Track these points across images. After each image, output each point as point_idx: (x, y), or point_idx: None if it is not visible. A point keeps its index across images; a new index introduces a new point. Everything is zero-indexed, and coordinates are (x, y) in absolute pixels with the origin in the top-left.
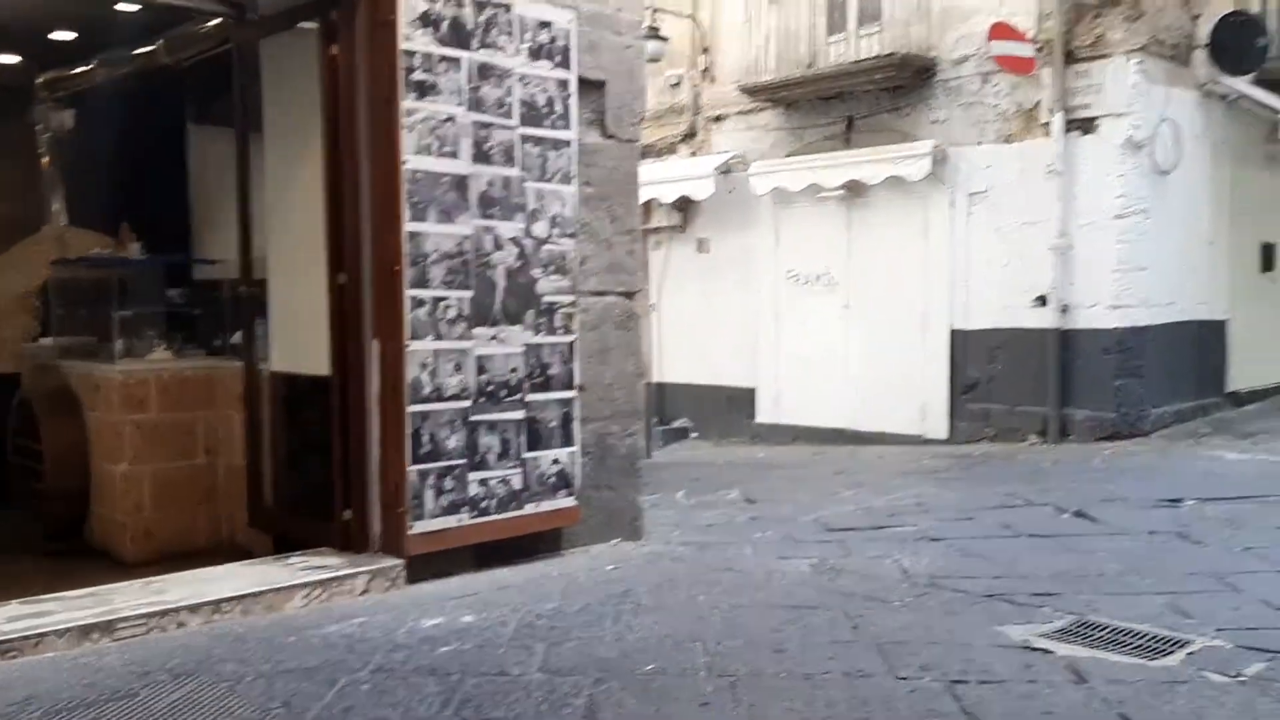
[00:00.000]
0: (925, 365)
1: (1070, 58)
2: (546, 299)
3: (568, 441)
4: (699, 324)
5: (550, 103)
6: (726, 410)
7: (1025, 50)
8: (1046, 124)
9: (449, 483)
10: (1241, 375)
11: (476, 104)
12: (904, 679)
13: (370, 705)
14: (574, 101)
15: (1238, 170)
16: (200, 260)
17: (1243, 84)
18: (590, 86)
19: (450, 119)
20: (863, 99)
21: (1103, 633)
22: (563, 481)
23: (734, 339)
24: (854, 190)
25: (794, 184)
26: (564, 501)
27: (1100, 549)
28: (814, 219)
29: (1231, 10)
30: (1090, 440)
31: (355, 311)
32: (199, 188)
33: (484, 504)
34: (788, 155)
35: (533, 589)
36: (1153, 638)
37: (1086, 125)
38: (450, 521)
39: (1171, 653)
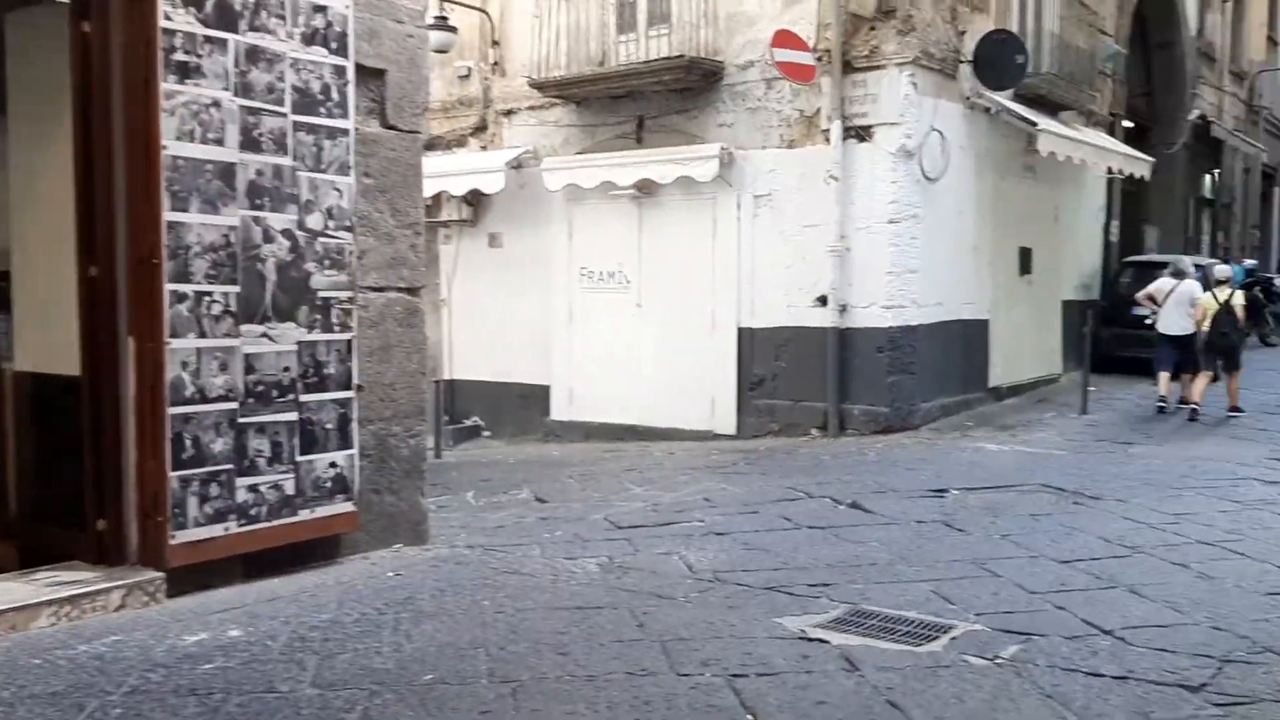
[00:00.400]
0: (714, 363)
1: (848, 67)
2: (322, 294)
3: (345, 444)
4: (491, 320)
5: (326, 90)
6: (520, 408)
7: (806, 59)
8: (826, 131)
9: (214, 489)
10: (1001, 371)
11: (245, 89)
12: (686, 675)
13: None
14: (351, 89)
15: (999, 179)
16: None
17: (1003, 98)
18: (369, 74)
19: (215, 103)
20: (653, 99)
21: (874, 621)
22: (340, 486)
23: (527, 335)
24: (645, 189)
25: (587, 181)
26: (342, 506)
27: (873, 539)
28: (606, 217)
29: (993, 29)
30: (866, 434)
31: (109, 307)
32: None
33: (253, 511)
34: (580, 152)
35: (306, 599)
36: (919, 624)
37: (863, 133)
38: (216, 530)
39: (936, 638)
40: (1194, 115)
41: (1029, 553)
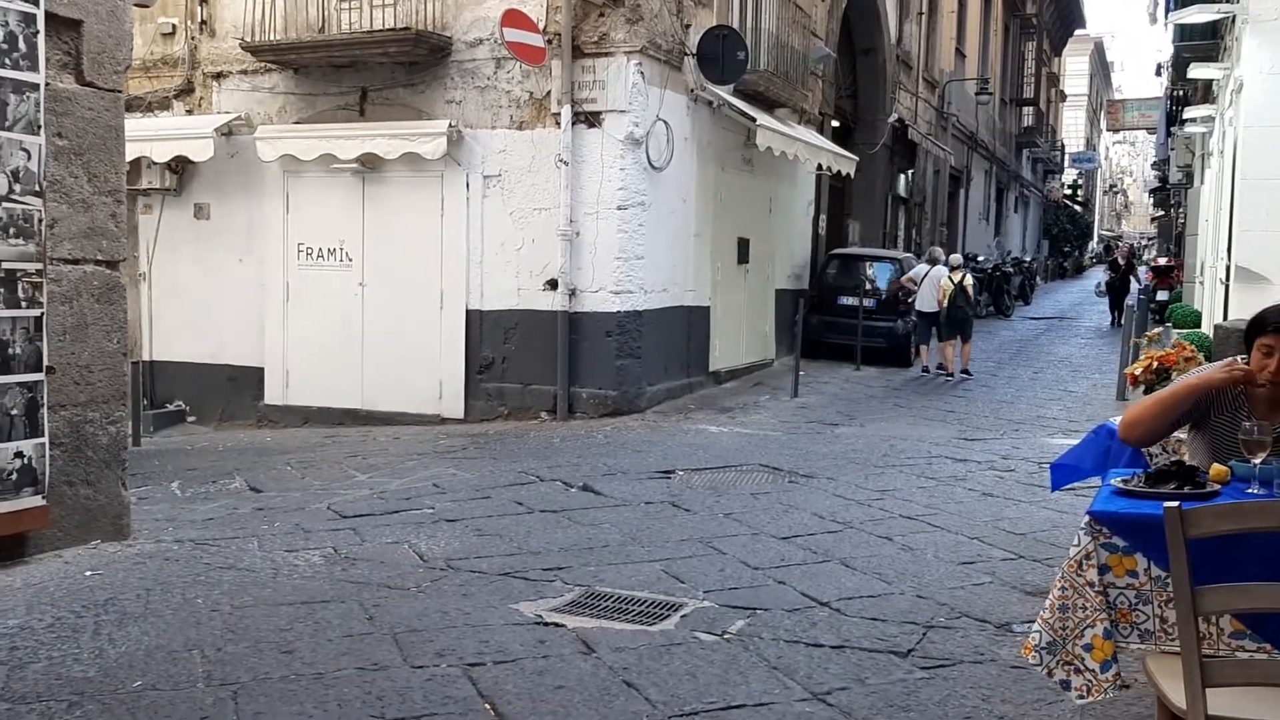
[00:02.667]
0: (442, 345)
1: (578, 52)
2: (6, 266)
3: (35, 431)
4: (198, 296)
5: (12, 39)
6: (230, 391)
7: (536, 40)
8: (557, 114)
9: None
10: (721, 356)
11: None
12: (420, 668)
13: None
14: (42, 39)
15: (720, 170)
16: None
17: (725, 92)
18: (63, 24)
19: None
20: (377, 71)
21: (608, 602)
22: (28, 478)
23: (239, 314)
24: (370, 164)
25: (305, 152)
26: (30, 501)
27: (604, 521)
28: (327, 191)
29: (717, 24)
30: (595, 417)
31: None
32: None
33: None
34: (297, 122)
35: None
36: (651, 604)
37: (592, 119)
38: None
39: (668, 617)
40: (893, 118)
41: (751, 530)
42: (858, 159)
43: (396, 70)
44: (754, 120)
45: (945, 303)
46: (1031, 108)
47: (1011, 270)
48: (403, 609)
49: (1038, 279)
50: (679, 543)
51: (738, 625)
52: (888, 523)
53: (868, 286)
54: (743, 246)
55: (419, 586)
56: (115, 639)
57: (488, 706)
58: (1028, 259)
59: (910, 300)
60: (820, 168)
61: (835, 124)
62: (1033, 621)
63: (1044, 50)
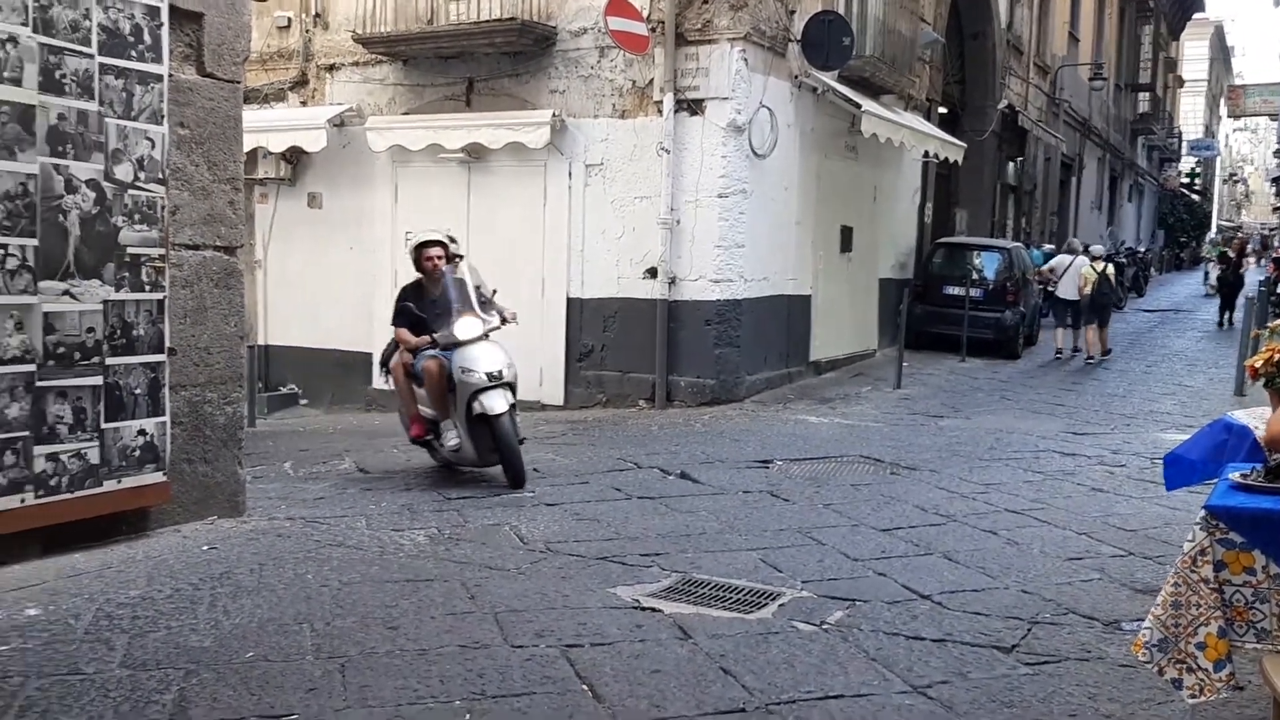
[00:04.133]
0: (543, 333)
1: (681, 40)
2: (131, 250)
3: (156, 410)
4: (310, 283)
5: (138, 31)
6: (340, 375)
7: (640, 28)
8: (659, 103)
9: (9, 458)
10: (822, 345)
11: (45, 25)
12: (520, 647)
13: None
14: (165, 32)
15: (823, 158)
16: None
17: (830, 78)
18: (186, 17)
19: (12, 39)
20: (483, 61)
21: (705, 589)
22: (150, 455)
23: (349, 300)
24: (475, 154)
25: (413, 142)
26: (152, 477)
27: (702, 508)
28: (434, 180)
29: (822, 9)
30: (693, 405)
31: None
32: None
33: (53, 481)
34: (406, 112)
35: (113, 575)
36: (749, 592)
37: (694, 106)
38: (11, 502)
39: (765, 605)
40: (1003, 104)
41: (851, 521)
42: (965, 146)
43: (502, 60)
44: (859, 106)
45: (1089, 290)
46: (1148, 94)
47: (1125, 261)
48: (503, 589)
49: (1152, 270)
50: (777, 532)
51: (836, 616)
52: (992, 517)
53: (975, 276)
54: (846, 235)
55: (519, 568)
56: (230, 611)
57: (585, 688)
58: (1142, 249)
59: (1049, 287)
60: (927, 155)
61: (943, 110)
62: (1143, 619)
63: (1161, 34)
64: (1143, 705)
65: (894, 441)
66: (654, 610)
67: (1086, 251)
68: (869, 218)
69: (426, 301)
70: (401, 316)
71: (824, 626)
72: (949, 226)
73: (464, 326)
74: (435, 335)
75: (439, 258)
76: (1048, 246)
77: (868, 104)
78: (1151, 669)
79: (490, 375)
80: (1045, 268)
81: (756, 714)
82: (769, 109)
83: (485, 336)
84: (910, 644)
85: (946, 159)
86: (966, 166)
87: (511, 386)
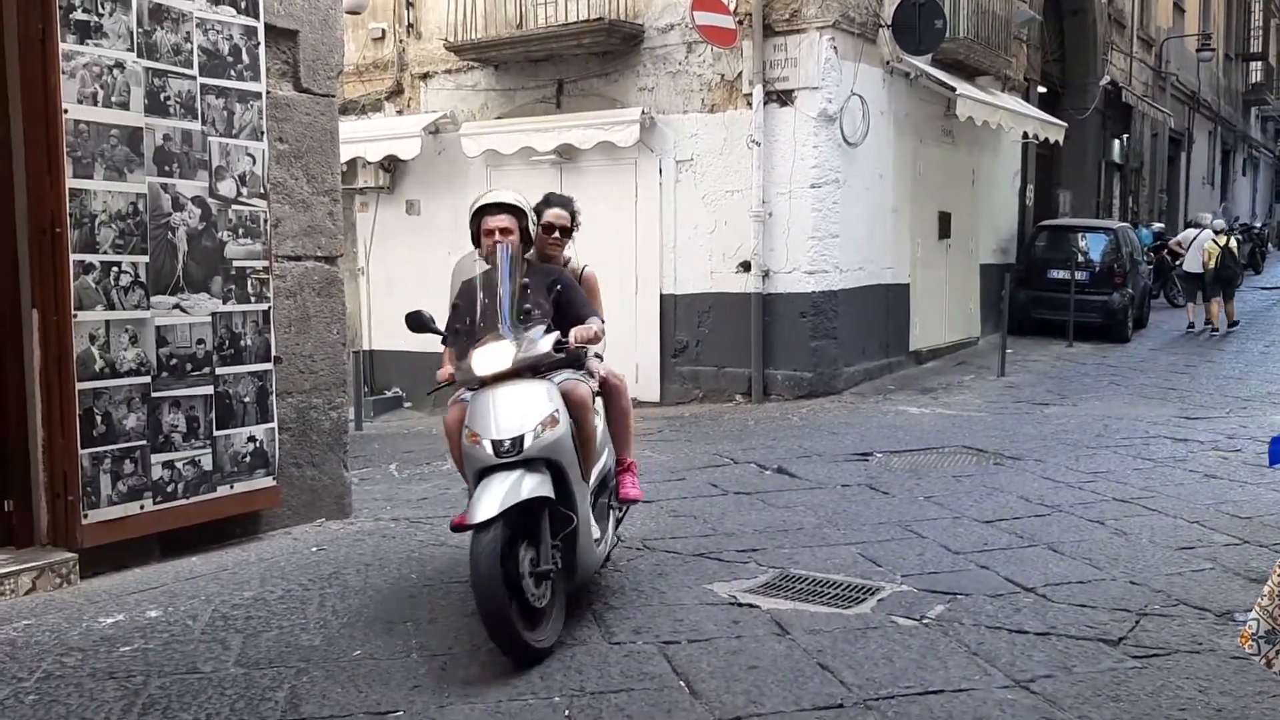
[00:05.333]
0: (637, 329)
1: (769, 31)
2: (236, 264)
3: (265, 417)
4: (411, 288)
5: (236, 51)
6: None
7: (727, 22)
8: (748, 95)
9: (128, 466)
10: (922, 335)
11: (149, 50)
12: (618, 644)
13: (37, 718)
14: (262, 51)
15: (918, 143)
16: None
17: (923, 63)
18: (281, 35)
19: (119, 65)
20: (573, 63)
21: (803, 585)
22: (260, 460)
23: (447, 304)
24: (566, 154)
25: (506, 146)
26: (262, 481)
27: (799, 503)
28: (527, 182)
29: None
30: (790, 399)
31: (9, 279)
32: None
33: (170, 488)
34: (498, 117)
35: (228, 577)
36: (847, 587)
37: (784, 97)
38: (131, 508)
39: (864, 600)
40: (1105, 81)
41: (952, 514)
42: (1066, 125)
43: (591, 61)
44: (954, 90)
45: (1211, 264)
46: (1260, 63)
47: (1240, 238)
48: (600, 586)
49: (1269, 246)
50: (876, 526)
51: (937, 610)
52: (1099, 506)
53: (1080, 259)
54: (944, 221)
55: (616, 565)
56: (338, 611)
57: (682, 684)
58: (1258, 225)
59: (1177, 263)
60: (1026, 136)
61: (1042, 90)
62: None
63: (1273, 1)
64: (1255, 699)
65: (997, 431)
66: (751, 606)
67: (1211, 226)
68: (968, 202)
69: (482, 303)
70: (449, 328)
71: (924, 621)
72: (1052, 208)
73: (484, 356)
74: (455, 368)
75: (506, 232)
76: (1157, 225)
77: (963, 87)
78: (1259, 662)
79: (500, 446)
80: (1174, 241)
81: (854, 709)
82: (860, 97)
83: (520, 372)
84: (1013, 638)
85: (1047, 139)
86: (1068, 146)
87: (552, 463)
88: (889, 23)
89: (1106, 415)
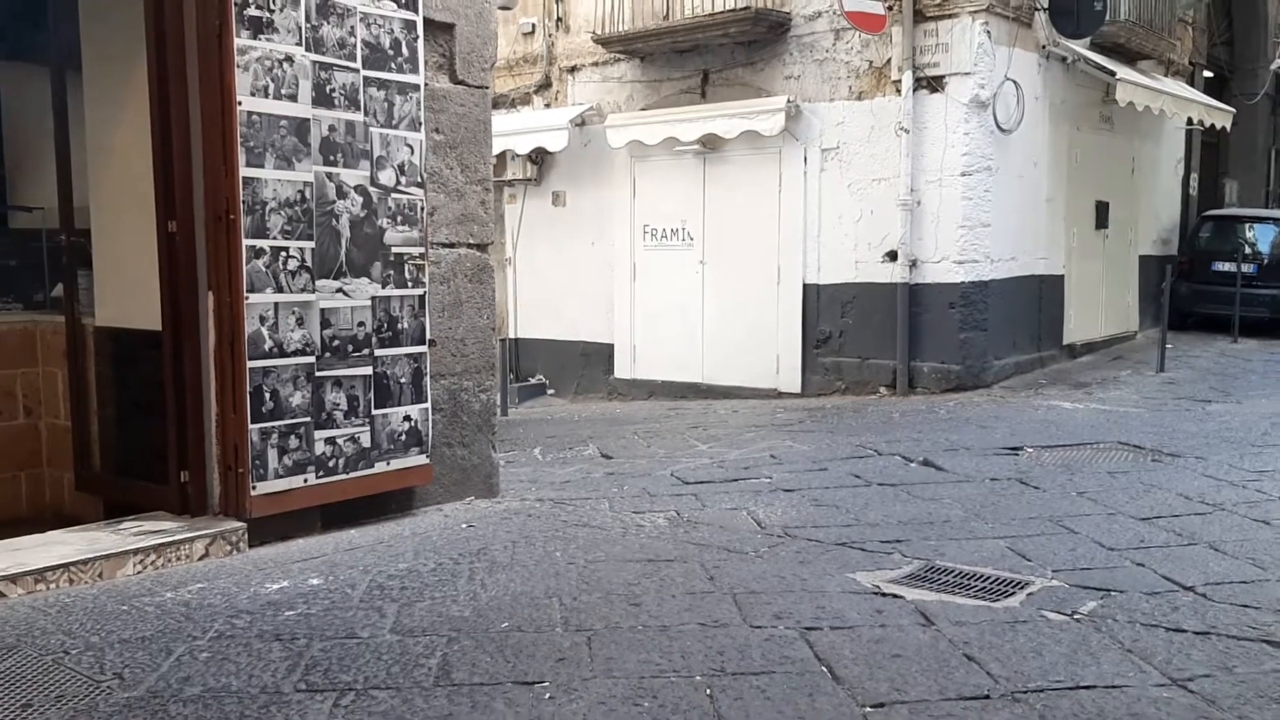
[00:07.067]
0: (779, 320)
1: (919, 16)
2: (395, 250)
3: (419, 398)
4: (555, 278)
5: (396, 44)
6: (583, 366)
7: (876, 8)
8: (896, 82)
9: (293, 441)
10: (1076, 328)
11: (316, 44)
12: (759, 628)
13: (210, 673)
14: (421, 44)
15: (1074, 130)
16: (15, 208)
17: (1080, 47)
18: (438, 28)
19: (288, 59)
20: (718, 52)
21: (949, 576)
22: (414, 439)
23: (591, 294)
24: (710, 144)
25: (650, 137)
26: (416, 459)
27: (945, 496)
28: (670, 173)
29: None
30: (936, 392)
31: (188, 262)
32: (11, 130)
33: (331, 463)
34: (644, 108)
35: (383, 549)
36: (995, 580)
37: (934, 83)
38: (295, 482)
39: (1013, 594)
40: (1276, 65)
41: (1107, 510)
42: (1234, 111)
43: (736, 50)
44: (1113, 74)
45: None
46: None
47: None
48: (741, 571)
49: None
50: (1026, 520)
51: (1089, 606)
52: (1265, 505)
53: (1248, 251)
54: (1101, 210)
55: (757, 551)
56: (486, 584)
57: (824, 669)
58: None
59: None
60: (1190, 122)
61: (1208, 74)
62: None
63: None
64: None
65: (1155, 427)
66: (895, 596)
67: None
68: (1127, 191)
69: None
70: None
71: (1076, 616)
72: (1217, 198)
73: None
74: None
75: None
76: None
77: (1123, 71)
78: None
79: None
80: None
81: (1001, 701)
82: (1014, 82)
83: None
84: (1170, 636)
85: (1213, 126)
86: (1236, 133)
87: None
88: (1045, 6)
89: (1274, 413)
